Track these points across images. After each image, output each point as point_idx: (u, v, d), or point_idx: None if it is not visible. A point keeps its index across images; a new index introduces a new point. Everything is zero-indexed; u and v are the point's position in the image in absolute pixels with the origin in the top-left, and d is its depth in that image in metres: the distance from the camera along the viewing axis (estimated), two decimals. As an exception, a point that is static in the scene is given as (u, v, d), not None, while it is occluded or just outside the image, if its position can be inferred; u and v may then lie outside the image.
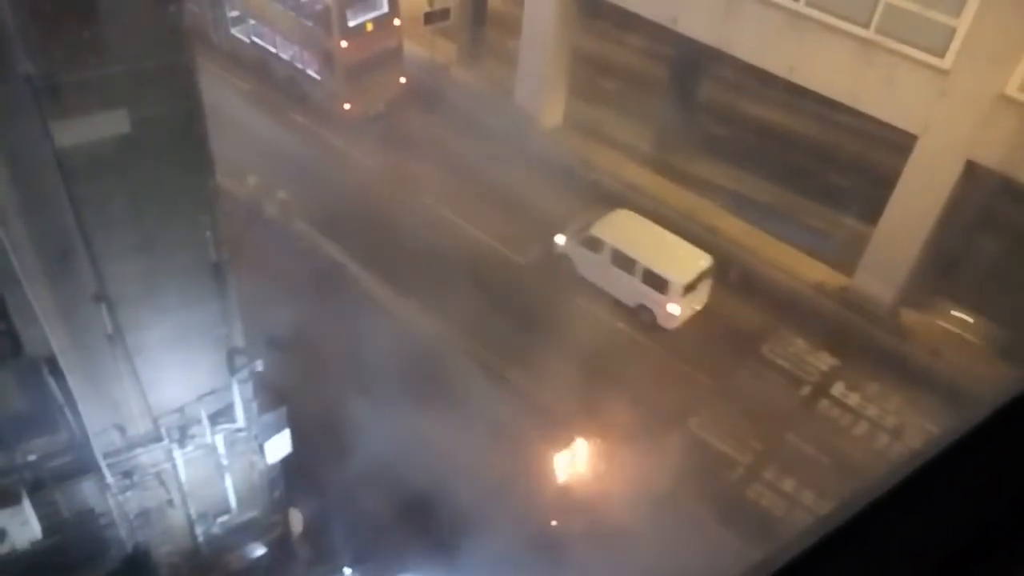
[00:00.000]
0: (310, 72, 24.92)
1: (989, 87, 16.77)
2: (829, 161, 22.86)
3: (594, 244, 20.04)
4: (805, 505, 16.80)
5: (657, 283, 19.15)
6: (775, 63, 19.71)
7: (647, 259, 19.32)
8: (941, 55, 17.21)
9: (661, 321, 19.52)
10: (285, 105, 25.64)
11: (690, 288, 19.20)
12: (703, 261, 19.55)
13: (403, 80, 25.70)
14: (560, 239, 20.91)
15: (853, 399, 18.81)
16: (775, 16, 18.99)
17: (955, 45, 16.95)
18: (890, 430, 18.22)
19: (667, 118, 24.61)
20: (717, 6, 19.81)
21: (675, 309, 19.17)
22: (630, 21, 22.97)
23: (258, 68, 26.24)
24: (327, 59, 24.18)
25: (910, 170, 18.67)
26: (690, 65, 23.94)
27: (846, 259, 20.71)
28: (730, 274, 20.88)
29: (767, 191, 22.89)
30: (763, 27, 19.31)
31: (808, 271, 21.06)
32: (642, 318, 19.77)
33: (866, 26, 17.87)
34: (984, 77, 16.76)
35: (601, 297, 20.33)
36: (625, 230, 20.22)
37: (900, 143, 18.98)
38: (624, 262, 19.61)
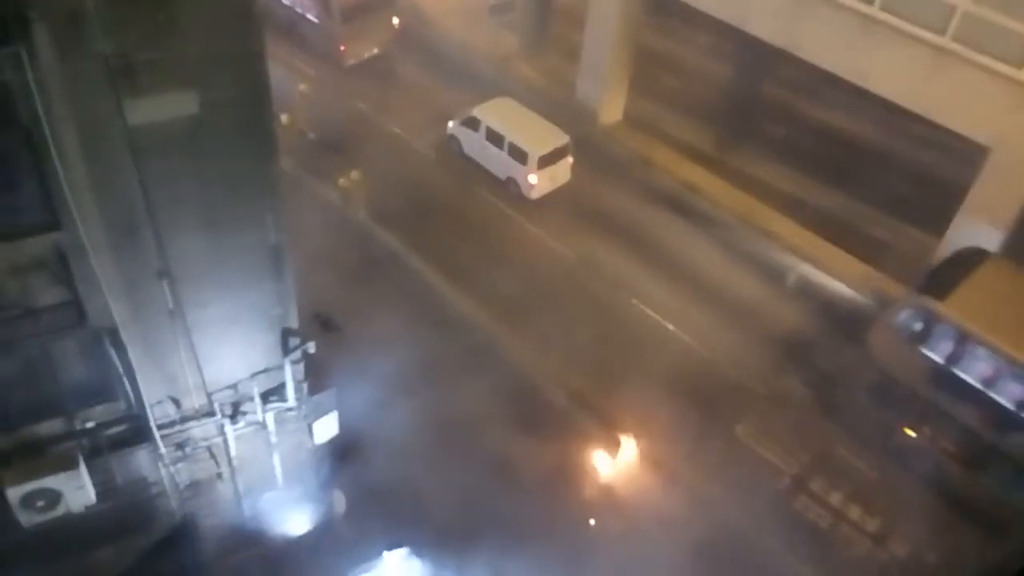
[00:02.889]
0: (309, 16, 26.25)
1: (1069, 101, 16.20)
2: (894, 169, 22.35)
3: (473, 123, 23.05)
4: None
5: (519, 155, 22.07)
6: (845, 67, 19.28)
7: (512, 134, 22.29)
8: (1019, 66, 16.66)
9: (525, 191, 22.36)
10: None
11: (547, 161, 22.03)
12: (560, 138, 22.31)
13: (396, 22, 26.91)
14: (451, 123, 23.77)
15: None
16: (848, 20, 18.56)
17: (1034, 56, 16.40)
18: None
19: (729, 118, 24.29)
20: (789, 8, 19.44)
21: (534, 179, 22.01)
22: (698, 19, 22.66)
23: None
24: (324, 3, 25.53)
25: (980, 184, 18.14)
26: (756, 66, 23.56)
27: (908, 270, 20.22)
28: (787, 280, 20.58)
29: (828, 196, 22.44)
30: (835, 31, 18.89)
31: (867, 279, 20.63)
32: (511, 190, 22.56)
33: (942, 33, 17.36)
34: (1064, 90, 16.19)
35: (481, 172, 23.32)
36: (499, 112, 23.07)
37: (971, 155, 18.46)
38: (495, 138, 22.58)
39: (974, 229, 18.25)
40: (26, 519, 10.34)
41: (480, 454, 16.54)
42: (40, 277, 9.51)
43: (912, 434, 17.41)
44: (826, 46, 19.26)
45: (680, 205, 22.63)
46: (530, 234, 21.86)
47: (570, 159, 22.62)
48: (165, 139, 8.85)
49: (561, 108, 24.79)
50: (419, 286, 19.91)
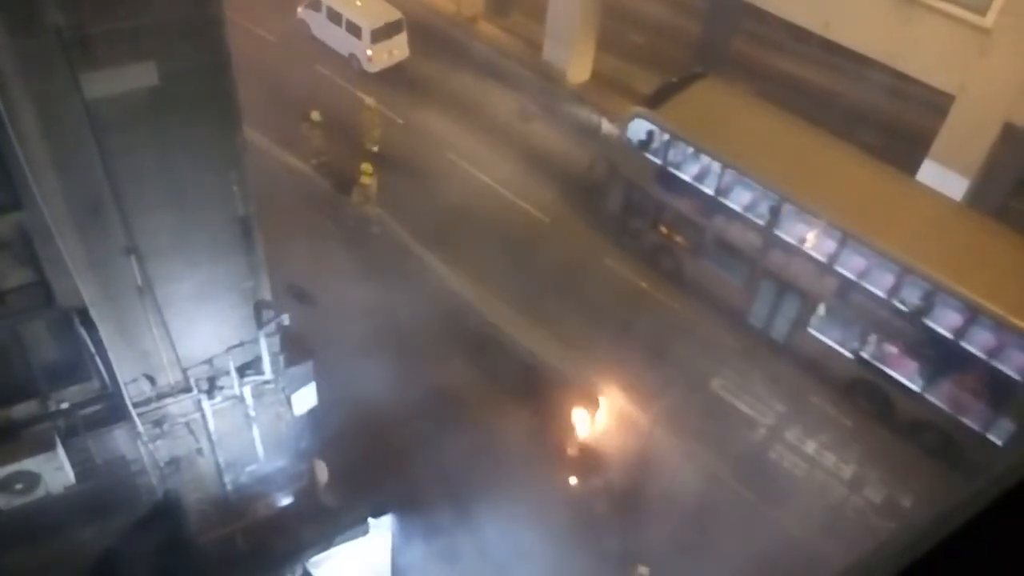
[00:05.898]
0: None
1: (1032, 46, 16.32)
2: (862, 120, 22.45)
3: (315, 5, 25.06)
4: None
5: (355, 30, 24.15)
6: (810, 19, 19.28)
7: (348, 12, 24.35)
8: (983, 13, 16.75)
9: (364, 65, 24.48)
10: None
11: (381, 35, 24.14)
12: (393, 14, 24.42)
13: None
14: (299, 8, 25.52)
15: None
16: (812, -29, 18.52)
17: (997, 3, 16.48)
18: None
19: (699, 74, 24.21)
20: (752, -40, 19.35)
21: (370, 52, 24.10)
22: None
23: None
24: None
25: (946, 131, 18.30)
26: (723, 20, 23.46)
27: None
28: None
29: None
30: (799, -18, 18.85)
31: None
32: (352, 65, 24.72)
33: (906, -19, 17.39)
34: (1027, 36, 16.30)
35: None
36: None
37: (936, 103, 18.59)
38: (335, 17, 24.59)
39: (941, 176, 18.44)
40: (5, 502, 10.27)
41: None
42: (4, 258, 9.35)
43: (653, 232, 19.68)
44: (792, -1, 19.25)
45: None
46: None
47: (405, 35, 24.54)
48: (125, 112, 8.67)
49: (529, 69, 24.59)
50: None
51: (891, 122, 21.90)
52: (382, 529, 14.21)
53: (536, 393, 17.45)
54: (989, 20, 16.67)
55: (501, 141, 22.92)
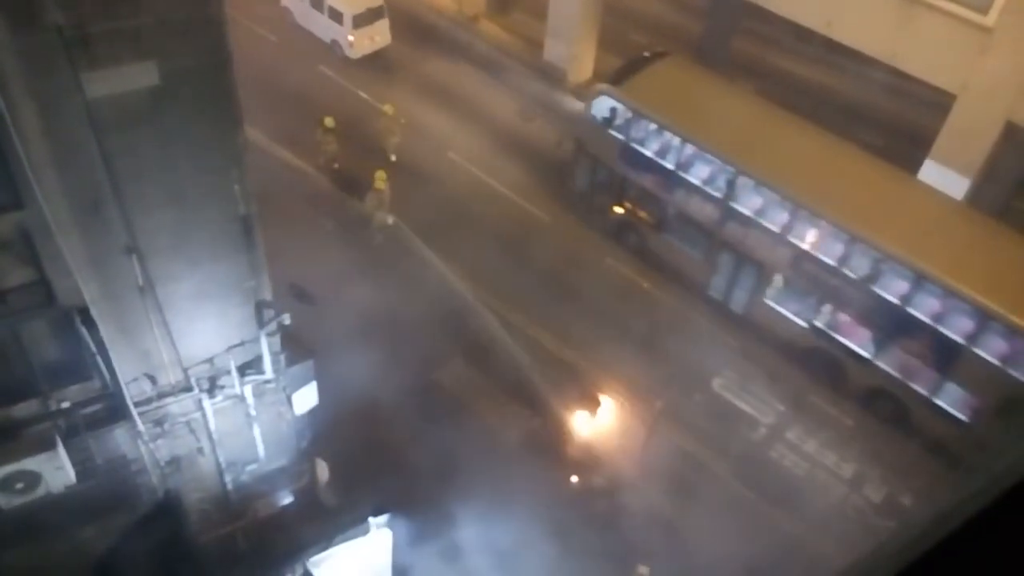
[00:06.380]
0: None
1: (1033, 45, 16.30)
2: (863, 119, 22.45)
3: None
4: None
5: (337, 16, 24.49)
6: (812, 18, 19.28)
7: None
8: (984, 12, 16.74)
9: (346, 51, 24.79)
10: None
11: (363, 20, 24.45)
12: (373, 1, 24.70)
13: None
14: None
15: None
16: (814, -30, 18.50)
17: (999, 1, 16.46)
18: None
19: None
20: (754, -41, 19.34)
21: (351, 38, 24.42)
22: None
23: None
24: None
25: (947, 131, 18.28)
26: (724, 19, 23.46)
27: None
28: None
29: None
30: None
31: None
32: (335, 52, 25.08)
33: (908, -19, 17.37)
34: (1028, 35, 16.28)
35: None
36: None
37: (938, 102, 18.57)
38: (317, 3, 24.89)
39: (942, 175, 18.43)
40: (5, 501, 10.27)
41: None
42: (5, 257, 9.35)
43: (619, 210, 20.35)
44: (794, -2, 19.24)
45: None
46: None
47: (387, 21, 24.90)
48: (126, 112, 8.66)
49: (530, 67, 24.58)
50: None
51: (893, 121, 21.89)
52: (383, 528, 14.21)
53: (537, 392, 17.43)
54: (991, 19, 16.66)
55: (502, 140, 22.92)
